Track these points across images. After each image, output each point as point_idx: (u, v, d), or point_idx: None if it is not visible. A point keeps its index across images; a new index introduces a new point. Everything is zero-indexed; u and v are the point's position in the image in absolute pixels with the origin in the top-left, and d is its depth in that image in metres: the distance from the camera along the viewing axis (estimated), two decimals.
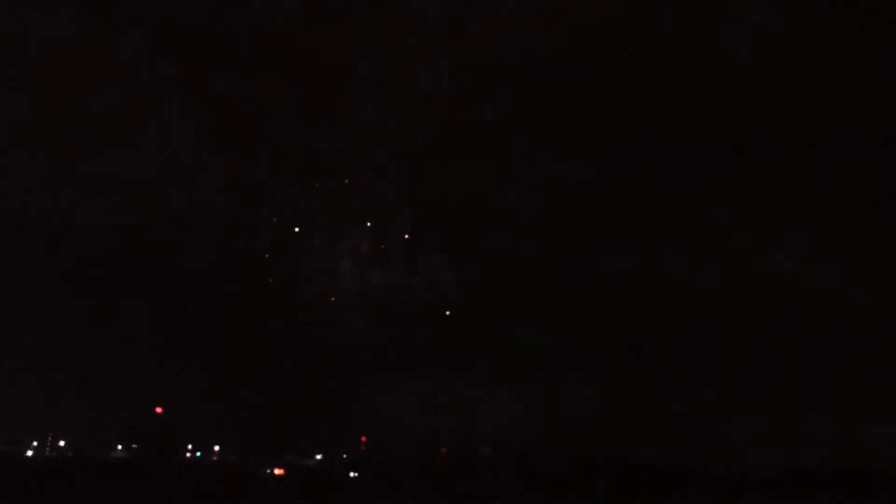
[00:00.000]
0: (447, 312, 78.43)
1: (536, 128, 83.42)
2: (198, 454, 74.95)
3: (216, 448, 74.88)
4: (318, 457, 75.11)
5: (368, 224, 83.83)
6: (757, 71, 75.98)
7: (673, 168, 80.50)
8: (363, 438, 75.97)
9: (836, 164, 73.32)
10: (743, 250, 75.70)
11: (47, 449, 73.89)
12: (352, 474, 65.29)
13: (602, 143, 79.34)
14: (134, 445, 74.00)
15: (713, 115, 76.72)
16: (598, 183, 79.52)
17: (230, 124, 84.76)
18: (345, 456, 73.53)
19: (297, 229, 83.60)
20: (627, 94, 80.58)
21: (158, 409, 73.92)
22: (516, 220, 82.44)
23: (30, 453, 72.66)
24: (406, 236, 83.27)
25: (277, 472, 65.61)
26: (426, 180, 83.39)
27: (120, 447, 74.59)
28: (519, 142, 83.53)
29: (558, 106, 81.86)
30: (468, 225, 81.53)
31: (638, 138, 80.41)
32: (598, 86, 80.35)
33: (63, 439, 74.25)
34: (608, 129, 79.90)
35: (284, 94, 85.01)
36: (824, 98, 73.79)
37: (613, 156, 79.58)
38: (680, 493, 48.33)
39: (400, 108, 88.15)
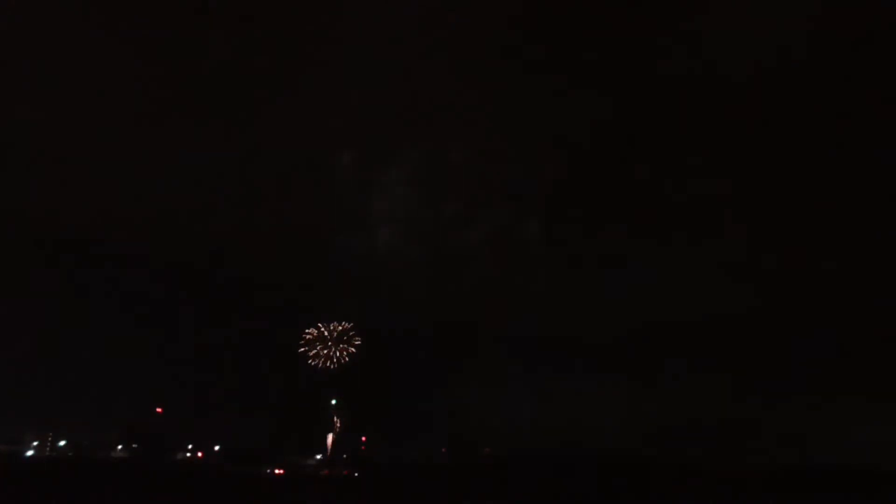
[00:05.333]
0: None
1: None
2: (198, 454, 75.06)
3: (216, 448, 74.93)
4: (318, 457, 75.12)
5: None
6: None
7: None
8: (363, 438, 75.92)
9: None
10: None
11: (47, 449, 73.92)
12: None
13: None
14: (134, 445, 73.99)
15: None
16: None
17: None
18: (345, 456, 73.52)
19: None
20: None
21: (158, 409, 73.98)
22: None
23: (30, 453, 72.76)
24: None
25: (277, 472, 65.61)
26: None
27: (120, 447, 74.61)
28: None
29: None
30: None
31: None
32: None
33: (63, 439, 74.35)
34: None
35: None
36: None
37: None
38: (682, 493, 48.19)
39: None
